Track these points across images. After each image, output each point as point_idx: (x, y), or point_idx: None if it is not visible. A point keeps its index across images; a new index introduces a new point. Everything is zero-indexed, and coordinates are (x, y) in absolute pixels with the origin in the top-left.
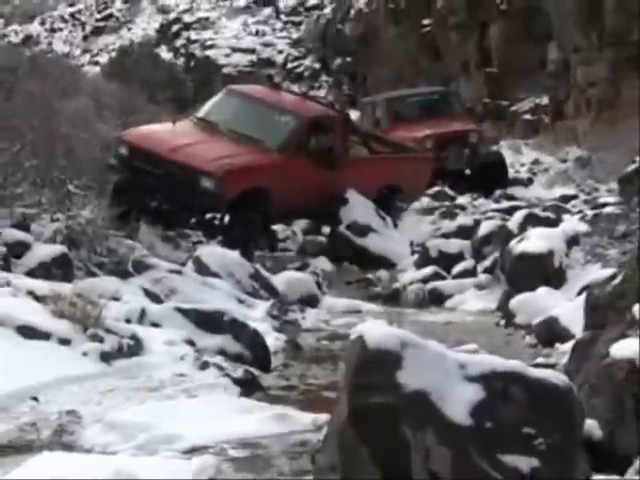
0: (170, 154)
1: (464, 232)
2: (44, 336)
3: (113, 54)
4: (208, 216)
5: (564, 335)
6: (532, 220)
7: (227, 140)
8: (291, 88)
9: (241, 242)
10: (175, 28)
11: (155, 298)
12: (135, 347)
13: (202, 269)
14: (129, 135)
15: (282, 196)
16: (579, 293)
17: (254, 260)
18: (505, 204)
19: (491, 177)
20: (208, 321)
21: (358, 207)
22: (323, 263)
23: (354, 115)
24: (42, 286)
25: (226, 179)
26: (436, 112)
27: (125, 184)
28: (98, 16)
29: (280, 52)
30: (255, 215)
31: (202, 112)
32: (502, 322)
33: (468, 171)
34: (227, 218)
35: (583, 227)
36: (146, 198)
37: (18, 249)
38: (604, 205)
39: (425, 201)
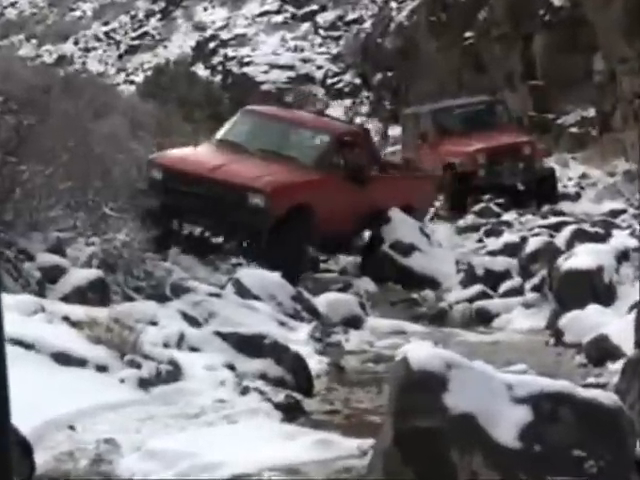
0: (212, 173)
1: (510, 249)
2: (80, 363)
3: (149, 73)
4: (248, 238)
5: (615, 353)
6: (580, 236)
7: (260, 159)
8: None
9: (284, 263)
10: (212, 45)
11: (194, 322)
12: (174, 373)
13: (242, 291)
14: (162, 158)
15: (323, 214)
16: (630, 310)
17: (298, 282)
18: (552, 220)
19: (544, 192)
20: (248, 345)
21: (402, 225)
22: (366, 283)
23: (398, 131)
24: (78, 311)
25: (274, 195)
26: (484, 124)
27: (161, 209)
28: (133, 34)
29: (319, 68)
30: (299, 234)
31: (222, 134)
32: (551, 341)
33: (521, 186)
34: (268, 238)
35: (633, 242)
36: (186, 221)
37: (53, 274)
38: None
39: (470, 218)
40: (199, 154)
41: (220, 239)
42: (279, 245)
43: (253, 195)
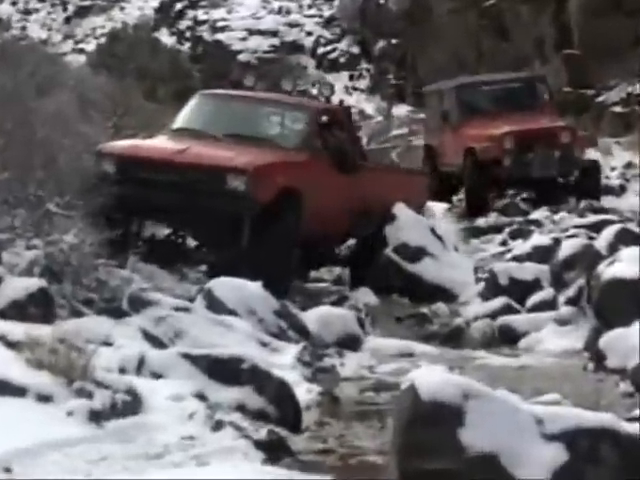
0: (177, 156)
1: (541, 254)
2: (18, 392)
3: (102, 40)
4: (224, 235)
5: None
6: (625, 237)
7: (231, 143)
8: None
9: (271, 266)
10: (178, 6)
11: (157, 342)
12: (132, 404)
13: (215, 305)
14: (114, 148)
15: (314, 202)
16: None
17: (287, 293)
18: (592, 218)
19: (585, 187)
20: (223, 370)
21: (408, 224)
22: (366, 295)
23: (404, 110)
24: (15, 330)
25: (259, 176)
26: (519, 104)
27: (116, 206)
28: None
29: (309, 34)
30: (289, 227)
31: (180, 122)
32: (590, 365)
33: (556, 180)
34: (250, 233)
35: None
36: (147, 217)
37: None
38: None
39: (492, 216)
40: (157, 142)
41: (190, 239)
42: (264, 243)
43: (232, 177)
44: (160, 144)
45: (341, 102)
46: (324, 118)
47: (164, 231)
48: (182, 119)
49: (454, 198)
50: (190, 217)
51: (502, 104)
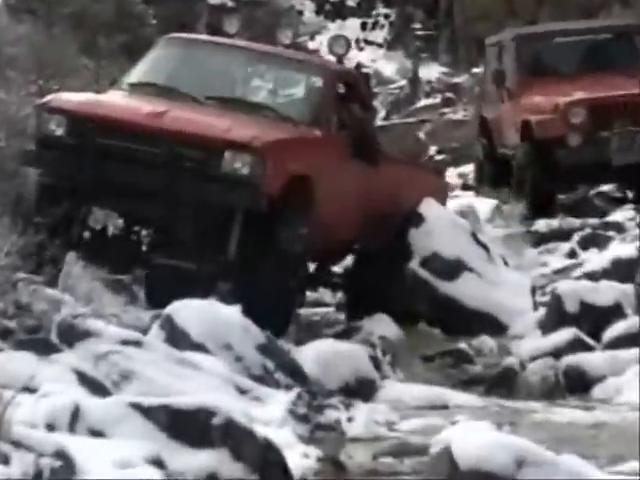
0: (157, 122)
1: (623, 269)
2: None
3: None
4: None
5: None
6: None
7: (221, 109)
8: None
9: (279, 285)
10: None
11: (97, 388)
12: (63, 471)
13: (177, 337)
14: (67, 102)
15: (326, 199)
16: None
17: (288, 324)
18: None
19: None
20: (187, 426)
21: (441, 228)
22: (383, 325)
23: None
24: None
25: (269, 156)
26: (603, 63)
27: (58, 187)
28: None
29: None
30: (297, 232)
31: (141, 75)
32: None
33: None
34: (236, 241)
35: None
36: (102, 204)
37: None
38: None
39: (557, 217)
40: (121, 99)
41: (155, 239)
42: (261, 253)
43: (232, 155)
44: (128, 103)
45: (358, 65)
46: (342, 86)
47: (114, 225)
48: (144, 71)
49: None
50: (163, 207)
51: (579, 63)
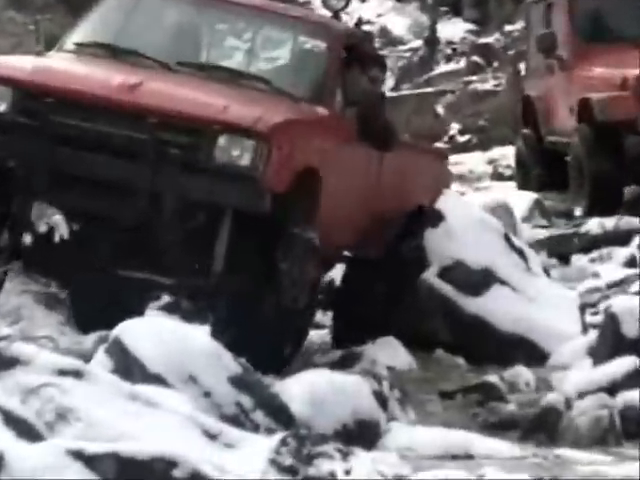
0: (130, 96)
1: None
2: None
3: None
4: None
5: None
6: None
7: (203, 79)
8: None
9: (273, 317)
10: None
11: (26, 430)
12: None
13: (128, 366)
14: (15, 69)
15: (334, 195)
16: None
17: (293, 358)
18: None
19: None
20: (141, 478)
21: (466, 229)
22: (391, 351)
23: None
24: None
25: (276, 144)
26: None
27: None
28: None
29: None
30: (308, 241)
31: (89, 32)
32: None
33: None
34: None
35: None
36: (59, 191)
37: None
38: None
39: (613, 217)
40: (78, 66)
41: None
42: (273, 263)
43: (230, 141)
44: (90, 71)
45: (359, 21)
46: (353, 51)
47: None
48: (95, 28)
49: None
50: (137, 205)
51: None
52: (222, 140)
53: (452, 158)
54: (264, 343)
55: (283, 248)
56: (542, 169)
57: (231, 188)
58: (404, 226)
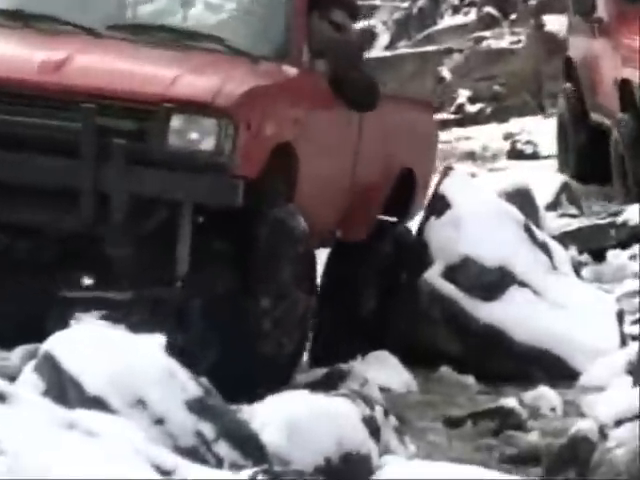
0: (58, 77)
1: None
2: None
3: None
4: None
5: None
6: None
7: (135, 46)
8: None
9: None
10: None
11: None
12: None
13: (62, 387)
14: None
15: (311, 170)
16: None
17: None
18: None
19: None
20: None
21: (478, 219)
22: (385, 368)
23: None
24: None
25: (243, 119)
26: None
27: None
28: None
29: None
30: (296, 227)
31: None
32: None
33: None
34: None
35: None
36: None
37: None
38: None
39: None
40: None
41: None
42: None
43: (186, 122)
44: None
45: None
46: None
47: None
48: None
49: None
50: (75, 210)
51: None
52: (176, 122)
53: (461, 132)
54: (235, 366)
55: (260, 242)
56: (586, 148)
57: (193, 180)
58: (392, 194)
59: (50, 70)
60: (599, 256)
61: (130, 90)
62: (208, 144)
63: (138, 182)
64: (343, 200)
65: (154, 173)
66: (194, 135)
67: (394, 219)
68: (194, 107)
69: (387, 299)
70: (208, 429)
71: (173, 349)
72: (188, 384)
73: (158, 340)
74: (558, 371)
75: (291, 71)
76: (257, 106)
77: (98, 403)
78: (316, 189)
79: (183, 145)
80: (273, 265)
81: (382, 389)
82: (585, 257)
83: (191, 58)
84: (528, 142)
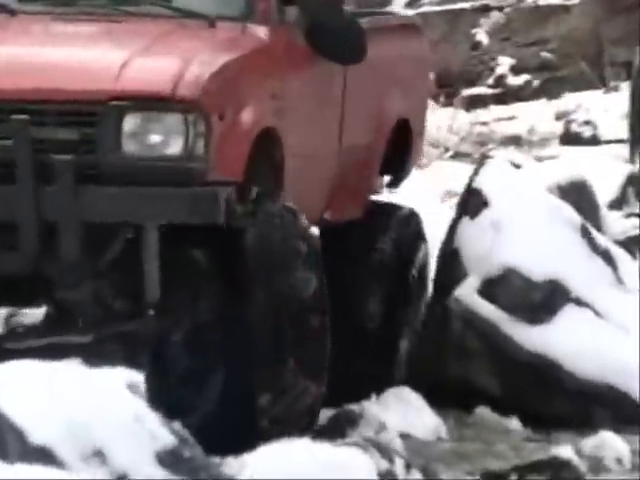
0: None
1: None
2: None
3: None
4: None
5: None
6: None
7: (65, 22)
8: None
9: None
10: None
11: None
12: None
13: (1, 437)
14: None
15: (296, 151)
16: None
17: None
18: None
19: None
20: None
21: (523, 221)
22: (406, 410)
23: None
24: None
25: (217, 108)
26: None
27: None
28: None
29: None
30: (295, 230)
31: None
32: None
33: None
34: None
35: None
36: None
37: None
38: None
39: None
40: None
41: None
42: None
43: (143, 120)
44: None
45: None
46: None
47: None
48: None
49: None
50: (20, 246)
51: None
52: (130, 122)
53: (502, 111)
54: (232, 411)
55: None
56: None
57: (160, 197)
58: (386, 154)
59: None
60: None
61: (66, 88)
62: (174, 147)
63: (91, 206)
64: (331, 174)
65: (110, 193)
66: (155, 137)
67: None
68: (151, 102)
69: (395, 305)
70: None
71: (155, 397)
72: (158, 431)
73: (122, 376)
74: (625, 412)
75: (259, 32)
76: (229, 90)
77: (44, 455)
78: (304, 171)
79: (142, 152)
80: (266, 278)
81: (403, 436)
82: None
83: (134, 32)
84: (586, 123)
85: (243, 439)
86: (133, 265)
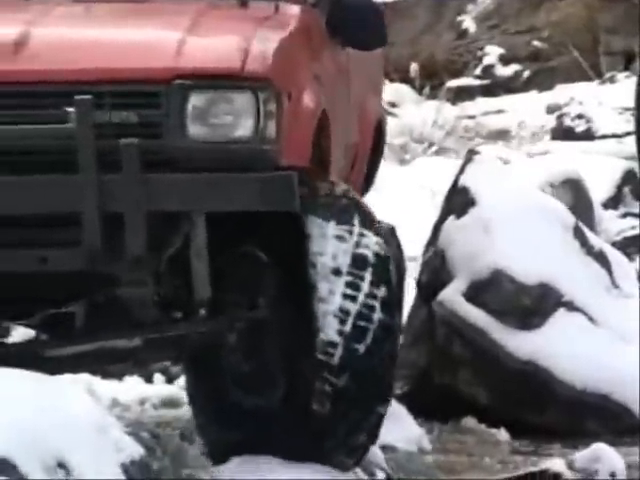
0: (17, 62)
1: None
2: None
3: None
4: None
5: None
6: None
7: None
8: None
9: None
10: None
11: None
12: None
13: None
14: None
15: (337, 140)
16: None
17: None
18: None
19: None
20: None
21: (512, 221)
22: (387, 421)
23: None
24: None
25: (286, 86)
26: None
27: None
28: None
29: None
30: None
31: None
32: None
33: None
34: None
35: None
36: None
37: None
38: None
39: None
40: None
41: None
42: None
43: (210, 101)
44: None
45: None
46: None
47: None
48: None
49: None
50: (80, 241)
51: None
52: (195, 102)
53: (490, 103)
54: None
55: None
56: None
57: (233, 183)
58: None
59: (8, 54)
60: None
61: (124, 68)
62: (244, 129)
63: (158, 195)
64: (348, 167)
65: (178, 179)
66: (223, 118)
67: None
68: (218, 79)
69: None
70: None
71: (206, 405)
72: (124, 442)
73: (83, 383)
74: (620, 423)
75: (293, 11)
76: (292, 68)
77: (5, 467)
78: (340, 157)
79: (208, 134)
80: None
81: (384, 448)
82: None
83: (167, 11)
84: (579, 117)
85: (306, 447)
86: (178, 262)
